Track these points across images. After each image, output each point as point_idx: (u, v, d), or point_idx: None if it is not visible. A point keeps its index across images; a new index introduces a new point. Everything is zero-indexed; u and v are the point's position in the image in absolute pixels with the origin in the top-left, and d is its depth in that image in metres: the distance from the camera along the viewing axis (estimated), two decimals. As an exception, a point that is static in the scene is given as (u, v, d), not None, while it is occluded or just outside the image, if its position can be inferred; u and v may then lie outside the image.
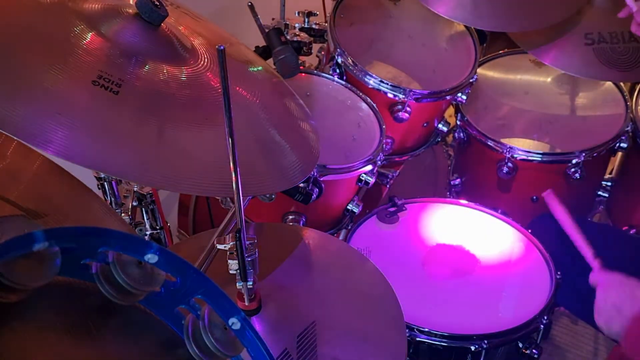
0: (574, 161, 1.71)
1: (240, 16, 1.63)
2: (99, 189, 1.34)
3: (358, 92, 1.68)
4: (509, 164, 1.74)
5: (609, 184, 1.88)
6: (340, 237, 1.61)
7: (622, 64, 1.71)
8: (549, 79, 1.96)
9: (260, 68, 1.19)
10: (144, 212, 1.37)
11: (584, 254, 1.31)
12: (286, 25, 1.78)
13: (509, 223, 1.56)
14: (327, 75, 1.70)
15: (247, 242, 0.91)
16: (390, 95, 1.67)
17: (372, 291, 1.18)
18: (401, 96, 1.66)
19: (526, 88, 1.95)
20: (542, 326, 1.32)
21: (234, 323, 0.66)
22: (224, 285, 0.66)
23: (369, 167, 1.53)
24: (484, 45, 2.04)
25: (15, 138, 0.75)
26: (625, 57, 1.72)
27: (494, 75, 1.97)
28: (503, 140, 1.75)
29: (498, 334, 1.28)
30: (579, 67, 1.73)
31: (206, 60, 1.02)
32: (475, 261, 1.45)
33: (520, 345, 1.32)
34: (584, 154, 1.70)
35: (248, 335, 0.67)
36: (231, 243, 0.94)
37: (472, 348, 1.26)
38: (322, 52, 1.90)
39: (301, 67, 1.74)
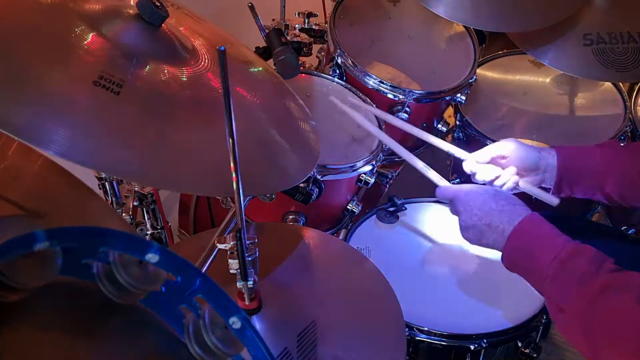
0: (573, 161, 1.71)
1: (240, 17, 1.64)
2: (100, 189, 1.35)
3: (358, 92, 1.68)
4: (509, 164, 1.74)
5: (609, 184, 1.88)
6: (340, 237, 1.61)
7: (621, 64, 1.71)
8: (548, 80, 1.96)
9: (260, 69, 1.20)
10: (144, 212, 1.37)
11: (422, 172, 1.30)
12: (286, 26, 1.78)
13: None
14: (327, 76, 1.70)
15: (248, 242, 0.92)
16: (389, 96, 1.67)
17: (372, 291, 1.18)
18: (401, 97, 1.66)
19: (525, 88, 1.95)
20: (541, 325, 1.33)
21: (235, 322, 0.66)
22: (224, 284, 0.66)
23: (369, 167, 1.54)
24: (483, 45, 2.05)
25: (16, 138, 0.75)
26: (624, 57, 1.72)
27: (493, 75, 1.98)
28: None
29: (497, 333, 1.28)
30: (577, 67, 1.73)
31: (207, 60, 1.02)
32: (475, 261, 1.45)
33: (520, 344, 1.32)
34: (583, 154, 1.70)
35: (248, 334, 0.67)
36: (232, 243, 0.94)
37: (472, 347, 1.27)
38: (322, 53, 1.90)
39: (301, 68, 1.75)
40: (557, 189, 1.31)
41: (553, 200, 1.30)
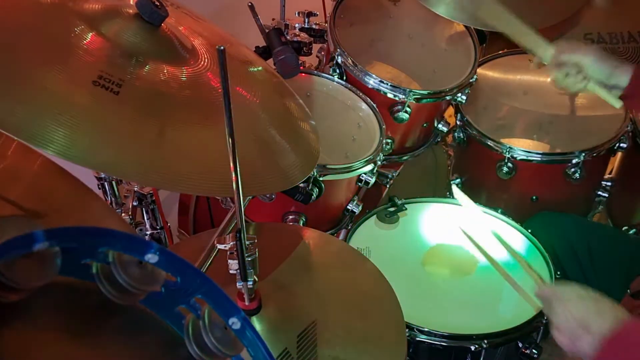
0: (573, 161, 1.71)
1: (240, 16, 1.63)
2: (99, 189, 1.34)
3: (358, 92, 1.68)
4: (509, 164, 1.74)
5: (609, 184, 1.88)
6: (340, 237, 1.61)
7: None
8: (548, 79, 1.96)
9: (260, 68, 1.20)
10: (144, 212, 1.37)
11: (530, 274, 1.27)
12: (286, 26, 1.78)
13: (508, 223, 1.56)
14: (327, 76, 1.70)
15: (247, 242, 0.91)
16: (390, 96, 1.67)
17: (372, 291, 1.18)
18: (401, 96, 1.66)
19: (526, 88, 1.95)
20: (541, 326, 1.32)
21: (234, 323, 0.66)
22: (224, 285, 0.66)
23: (369, 167, 1.54)
24: (484, 45, 2.05)
25: (15, 138, 0.75)
26: (624, 57, 1.72)
27: (494, 75, 1.97)
28: (503, 141, 1.75)
29: (498, 334, 1.28)
30: (578, 67, 1.73)
31: (206, 60, 1.02)
32: (475, 261, 1.45)
33: (520, 344, 1.32)
34: (583, 154, 1.70)
35: (248, 334, 0.67)
36: (231, 243, 0.94)
37: (472, 348, 1.27)
38: (322, 53, 1.90)
39: (301, 68, 1.75)
40: (622, 97, 1.45)
41: (616, 102, 1.46)
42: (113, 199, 1.35)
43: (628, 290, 1.35)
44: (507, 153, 1.73)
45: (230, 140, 0.79)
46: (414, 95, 1.67)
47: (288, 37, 1.65)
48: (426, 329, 1.27)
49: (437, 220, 1.57)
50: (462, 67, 1.79)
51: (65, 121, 0.78)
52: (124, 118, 0.84)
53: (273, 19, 1.77)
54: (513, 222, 1.55)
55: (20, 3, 0.90)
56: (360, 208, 1.63)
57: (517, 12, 1.71)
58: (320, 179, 1.44)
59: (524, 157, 1.73)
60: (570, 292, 1.11)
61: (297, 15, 1.84)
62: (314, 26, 1.82)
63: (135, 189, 1.33)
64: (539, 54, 1.53)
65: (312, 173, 1.41)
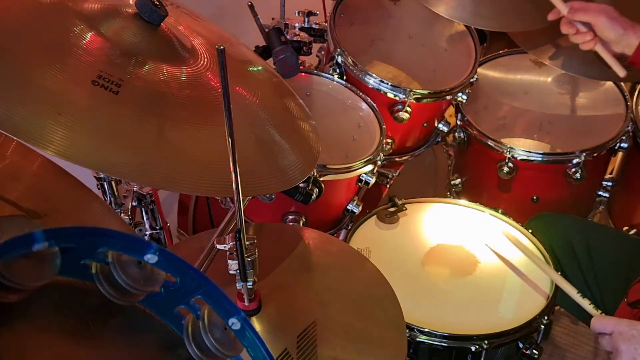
0: (574, 161, 1.71)
1: (240, 16, 1.63)
2: (98, 189, 1.34)
3: (358, 92, 1.68)
4: (510, 164, 1.74)
5: (610, 184, 1.87)
6: (340, 237, 1.61)
7: (623, 64, 1.71)
8: (549, 79, 1.96)
9: (260, 68, 1.19)
10: (143, 212, 1.37)
11: (577, 301, 1.26)
12: (286, 25, 1.78)
13: (509, 223, 1.56)
14: (327, 75, 1.70)
15: (247, 242, 0.91)
16: (390, 95, 1.67)
17: (372, 291, 1.18)
18: (401, 96, 1.66)
19: (526, 88, 1.95)
20: (542, 326, 1.32)
21: (234, 323, 0.66)
22: (224, 285, 0.66)
23: (369, 167, 1.53)
24: (484, 45, 2.04)
25: (14, 138, 0.75)
26: (625, 57, 1.71)
27: (494, 75, 1.97)
28: (503, 140, 1.75)
29: (498, 334, 1.28)
30: (579, 67, 1.73)
31: (206, 60, 1.02)
32: (475, 261, 1.45)
33: (521, 345, 1.32)
34: (584, 154, 1.70)
35: (248, 335, 0.67)
36: (231, 243, 0.94)
37: (473, 348, 1.26)
38: (322, 52, 1.90)
39: (301, 67, 1.74)
40: (630, 62, 1.42)
41: (620, 71, 1.43)
42: (112, 199, 1.35)
43: (625, 299, 1.34)
44: (507, 153, 1.73)
45: (230, 140, 0.79)
46: (414, 95, 1.66)
47: (288, 37, 1.65)
48: (426, 330, 1.27)
49: (437, 220, 1.57)
50: (463, 67, 1.79)
51: (65, 121, 0.78)
52: (123, 118, 0.84)
53: (273, 19, 1.77)
54: (513, 222, 1.55)
55: (20, 3, 0.89)
56: (360, 208, 1.63)
57: (515, 11, 1.71)
58: (320, 179, 1.44)
59: (525, 157, 1.73)
60: (634, 327, 1.10)
61: (297, 14, 1.83)
62: (313, 26, 1.82)
63: (135, 189, 1.33)
64: (559, 7, 1.49)
65: (312, 173, 1.41)
